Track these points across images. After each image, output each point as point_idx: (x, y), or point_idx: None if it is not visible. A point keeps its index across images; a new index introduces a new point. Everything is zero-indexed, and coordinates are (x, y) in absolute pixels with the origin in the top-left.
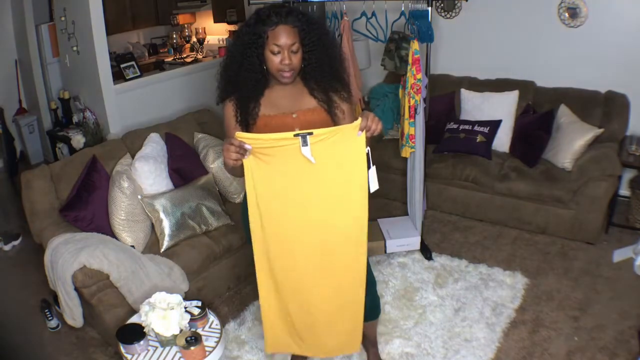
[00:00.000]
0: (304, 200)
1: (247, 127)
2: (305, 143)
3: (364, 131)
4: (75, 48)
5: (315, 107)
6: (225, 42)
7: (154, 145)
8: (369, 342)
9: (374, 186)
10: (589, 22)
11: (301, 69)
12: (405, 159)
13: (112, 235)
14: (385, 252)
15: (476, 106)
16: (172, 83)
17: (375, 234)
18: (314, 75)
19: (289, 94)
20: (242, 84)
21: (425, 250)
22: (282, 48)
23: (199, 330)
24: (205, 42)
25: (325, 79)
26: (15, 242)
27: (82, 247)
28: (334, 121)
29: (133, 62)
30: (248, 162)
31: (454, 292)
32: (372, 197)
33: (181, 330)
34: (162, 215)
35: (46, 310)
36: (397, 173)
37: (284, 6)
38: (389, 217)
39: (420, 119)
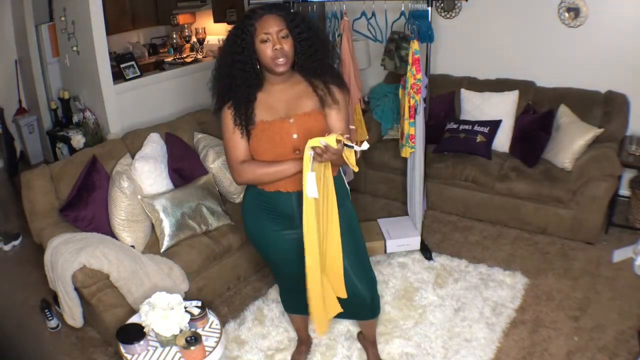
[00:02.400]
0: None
1: (247, 132)
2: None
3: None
4: (75, 48)
5: (312, 110)
6: None
7: (154, 145)
8: (369, 342)
9: (312, 193)
10: (589, 22)
11: (296, 63)
12: (405, 159)
13: (112, 235)
14: (385, 252)
15: (476, 106)
16: (172, 83)
17: (375, 234)
18: (312, 63)
19: (285, 98)
20: (235, 84)
21: (425, 250)
22: (271, 34)
23: (199, 330)
24: (205, 42)
25: (323, 65)
26: (15, 242)
27: (82, 247)
28: (329, 123)
29: (133, 62)
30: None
31: (454, 292)
32: (372, 197)
33: (181, 330)
34: (162, 215)
35: (46, 310)
36: (397, 173)
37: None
38: (389, 217)
39: (420, 119)
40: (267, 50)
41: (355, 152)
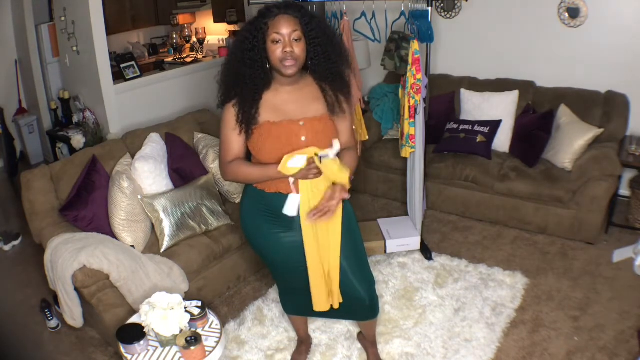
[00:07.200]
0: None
1: (248, 131)
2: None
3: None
4: (75, 48)
5: (322, 114)
6: (225, 42)
7: (154, 145)
8: (369, 342)
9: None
10: (589, 22)
11: (308, 66)
12: (405, 159)
13: (112, 235)
14: (385, 252)
15: (476, 106)
16: (172, 83)
17: (375, 234)
18: (324, 69)
19: (295, 99)
20: (242, 82)
21: (425, 250)
22: (283, 36)
23: (199, 330)
24: (205, 42)
25: (335, 72)
26: (15, 242)
27: (82, 247)
28: (336, 128)
29: (133, 62)
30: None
31: (454, 292)
32: (372, 197)
33: (181, 330)
34: (162, 215)
35: (46, 310)
36: (397, 173)
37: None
38: (389, 217)
39: (420, 119)
40: (277, 51)
41: (349, 170)
